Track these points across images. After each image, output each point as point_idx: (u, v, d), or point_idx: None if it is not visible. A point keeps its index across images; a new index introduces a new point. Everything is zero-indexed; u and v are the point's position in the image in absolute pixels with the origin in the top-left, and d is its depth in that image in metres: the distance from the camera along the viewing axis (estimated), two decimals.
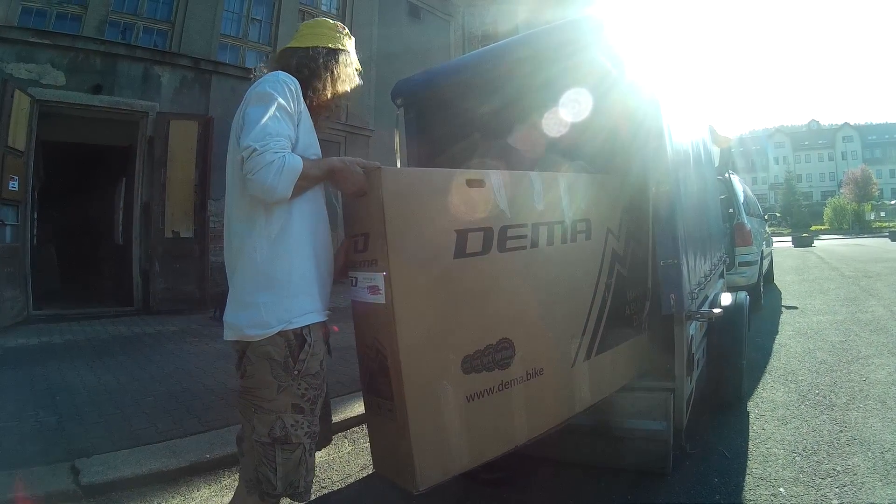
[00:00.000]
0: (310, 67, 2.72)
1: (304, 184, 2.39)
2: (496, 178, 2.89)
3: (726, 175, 10.51)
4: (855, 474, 3.72)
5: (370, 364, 2.71)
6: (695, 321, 4.10)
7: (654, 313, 4.02)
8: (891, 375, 5.88)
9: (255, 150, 2.20)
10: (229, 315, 2.43)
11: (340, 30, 2.87)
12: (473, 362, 2.71)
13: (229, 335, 2.45)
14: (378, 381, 2.64)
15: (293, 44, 2.79)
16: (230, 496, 4.03)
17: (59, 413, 5.46)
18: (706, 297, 5.09)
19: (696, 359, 4.26)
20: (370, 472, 4.41)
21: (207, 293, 12.39)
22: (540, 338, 3.08)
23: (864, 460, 3.92)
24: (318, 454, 4.69)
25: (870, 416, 4.76)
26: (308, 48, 2.74)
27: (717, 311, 4.27)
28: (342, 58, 2.82)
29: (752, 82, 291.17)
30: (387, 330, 2.51)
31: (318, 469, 4.47)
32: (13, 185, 10.34)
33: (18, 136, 10.47)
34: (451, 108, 4.86)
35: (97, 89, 11.89)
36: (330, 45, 2.78)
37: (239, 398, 2.48)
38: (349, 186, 2.58)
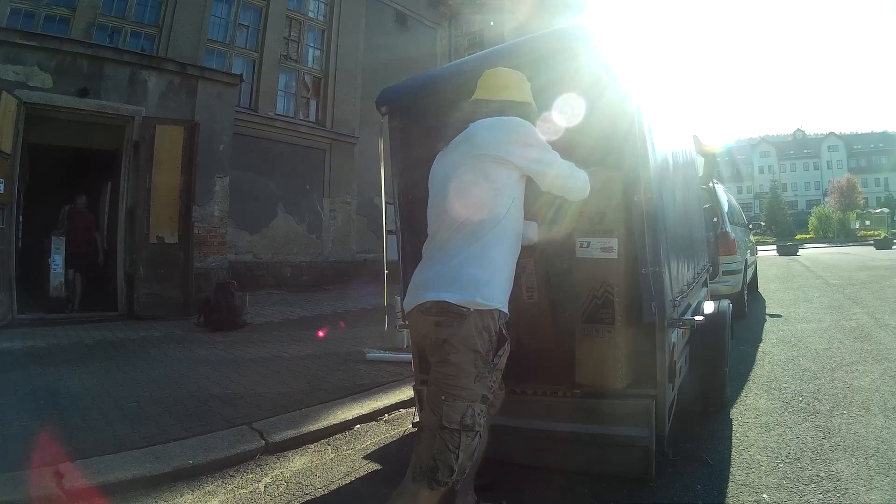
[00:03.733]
0: None
1: None
2: None
3: (711, 184, 10.56)
4: (838, 480, 3.73)
5: (596, 301, 3.87)
6: (677, 329, 4.13)
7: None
8: (874, 382, 5.91)
9: (565, 176, 3.05)
10: (450, 292, 2.69)
11: (524, 81, 3.26)
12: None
13: (452, 297, 2.68)
14: (602, 311, 3.85)
15: (483, 95, 3.19)
16: (213, 502, 4.04)
17: (42, 417, 5.43)
18: (689, 306, 5.11)
19: (678, 366, 4.27)
20: (353, 479, 4.40)
21: (192, 299, 12.35)
22: None
23: (848, 466, 3.94)
24: (300, 461, 4.70)
25: (853, 423, 4.78)
26: (500, 101, 3.12)
27: (698, 318, 4.29)
28: (526, 110, 3.16)
29: (737, 92, 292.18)
30: (616, 275, 3.84)
31: (300, 475, 4.48)
32: None
33: (5, 138, 10.40)
34: (438, 116, 4.87)
35: (84, 92, 11.83)
36: (517, 99, 3.17)
37: (428, 387, 2.79)
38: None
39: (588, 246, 3.88)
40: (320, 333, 9.98)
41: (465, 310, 2.65)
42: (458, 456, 2.63)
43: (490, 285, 2.74)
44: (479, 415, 2.70)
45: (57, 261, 12.85)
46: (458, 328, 2.64)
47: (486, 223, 2.79)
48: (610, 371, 3.83)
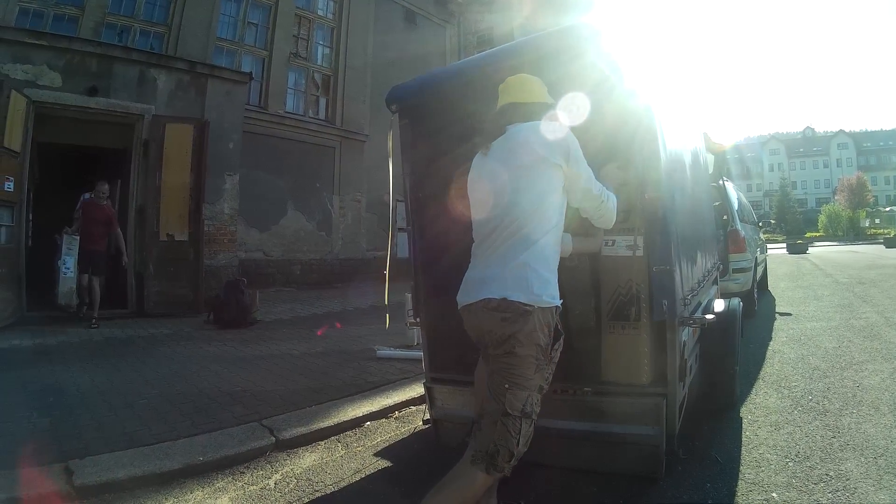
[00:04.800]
0: None
1: None
2: None
3: (720, 182, 10.53)
4: (847, 479, 3.72)
5: (622, 298, 3.89)
6: (687, 327, 4.12)
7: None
8: (884, 381, 5.89)
9: (603, 199, 3.24)
10: (517, 291, 2.86)
11: (544, 85, 3.43)
12: None
13: (517, 296, 2.85)
14: (628, 308, 3.86)
15: (516, 98, 3.33)
16: (223, 498, 4.05)
17: (52, 414, 5.45)
18: (699, 304, 5.10)
19: (688, 364, 4.27)
20: (363, 476, 4.41)
21: (202, 296, 12.37)
22: None
23: (857, 465, 3.93)
24: (310, 458, 4.70)
25: (863, 422, 4.76)
26: (533, 103, 3.29)
27: (709, 316, 4.28)
28: (551, 111, 3.28)
29: (747, 89, 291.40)
30: (640, 273, 3.83)
31: (310, 472, 4.48)
32: (9, 186, 10.30)
33: (14, 136, 10.43)
34: (447, 114, 4.86)
35: (93, 91, 11.84)
36: (546, 101, 3.34)
37: (490, 377, 2.94)
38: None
39: (613, 244, 3.91)
40: (319, 333, 10.01)
41: (530, 307, 2.82)
42: (518, 441, 2.82)
43: (550, 284, 2.95)
44: (536, 404, 2.91)
45: (68, 263, 11.12)
46: (523, 324, 2.81)
47: (544, 226, 2.98)
48: (635, 367, 3.85)
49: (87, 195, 11.61)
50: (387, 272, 5.30)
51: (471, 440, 2.97)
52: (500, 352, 2.87)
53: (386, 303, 5.71)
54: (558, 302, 2.96)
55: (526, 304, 2.82)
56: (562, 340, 3.10)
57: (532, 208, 2.98)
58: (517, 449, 2.83)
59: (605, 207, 3.27)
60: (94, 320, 10.68)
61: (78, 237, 11.01)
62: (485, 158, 3.31)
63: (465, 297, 3.09)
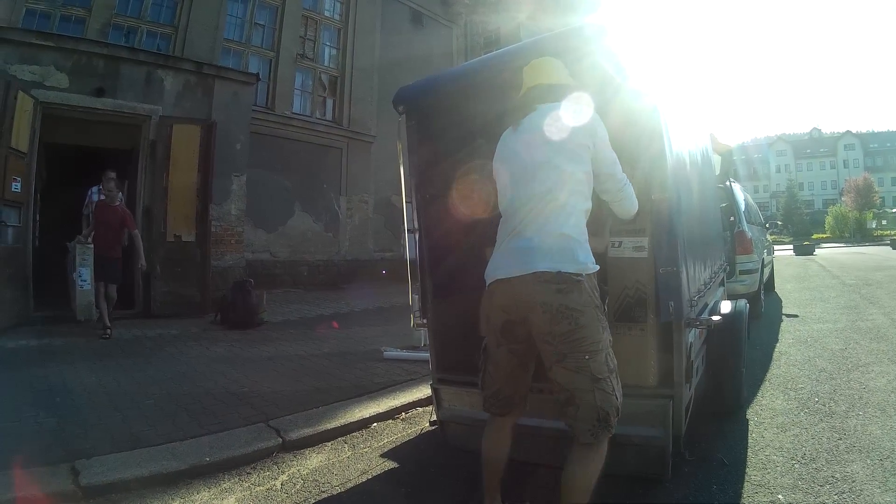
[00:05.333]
0: None
1: None
2: None
3: (727, 183, 10.52)
4: (853, 481, 3.73)
5: (629, 300, 3.88)
6: (694, 328, 4.12)
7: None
8: (890, 383, 5.89)
9: (625, 182, 3.37)
10: (568, 263, 2.98)
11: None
12: None
13: (568, 267, 2.96)
14: (635, 310, 3.85)
15: (544, 80, 3.47)
16: (230, 499, 4.07)
17: (58, 414, 5.47)
18: (706, 305, 5.10)
19: (694, 366, 4.27)
20: (369, 477, 4.42)
21: (208, 297, 12.38)
22: None
23: (863, 467, 3.93)
24: (317, 458, 4.72)
25: (869, 424, 4.77)
26: (560, 85, 3.43)
27: (715, 318, 4.28)
28: (574, 91, 3.41)
29: (753, 90, 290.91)
30: (647, 274, 3.81)
31: (317, 473, 4.50)
32: (16, 186, 10.31)
33: (21, 137, 10.45)
34: (454, 115, 4.87)
35: (100, 92, 11.86)
36: (571, 83, 3.48)
37: (561, 362, 2.95)
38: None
39: (620, 245, 3.91)
40: (335, 324, 10.02)
41: (581, 276, 2.96)
42: (616, 396, 2.96)
43: (589, 252, 3.09)
44: (613, 357, 3.05)
45: (84, 275, 10.60)
46: (579, 293, 2.93)
47: (580, 202, 3.13)
48: (641, 369, 3.84)
49: (94, 190, 11.37)
50: (408, 272, 5.33)
51: (570, 421, 3.01)
52: (562, 329, 2.91)
53: (410, 303, 5.73)
54: (597, 266, 3.12)
55: (576, 275, 2.94)
56: (606, 295, 3.40)
57: (566, 182, 3.10)
58: (619, 402, 2.97)
59: (627, 191, 3.39)
60: (107, 330, 9.71)
61: (91, 245, 10.29)
62: (514, 133, 3.40)
63: (506, 269, 3.11)
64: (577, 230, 3.06)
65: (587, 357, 2.90)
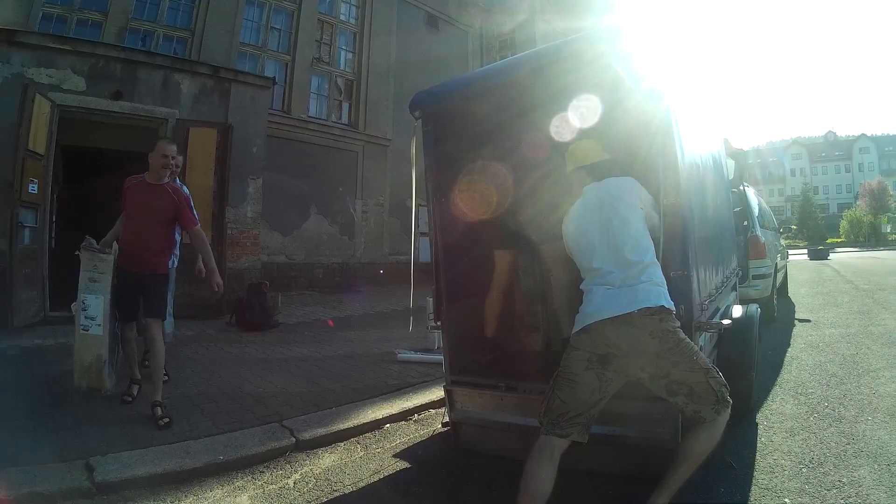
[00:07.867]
0: None
1: None
2: None
3: (741, 187, 10.50)
4: (860, 486, 3.75)
5: None
6: (704, 332, 4.15)
7: None
8: None
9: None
10: (662, 300, 3.43)
11: None
12: None
13: (668, 304, 3.45)
14: None
15: (595, 159, 3.89)
16: (243, 497, 4.12)
17: (74, 412, 5.52)
18: (717, 309, 5.12)
19: None
20: (381, 477, 4.47)
21: (224, 299, 12.40)
22: None
23: (871, 472, 3.95)
24: (329, 458, 4.76)
25: (878, 429, 4.77)
26: (608, 160, 3.92)
27: (725, 322, 4.31)
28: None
29: (768, 93, 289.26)
30: None
31: (329, 473, 4.54)
32: (33, 188, 10.42)
33: (39, 140, 10.56)
34: (470, 120, 4.91)
35: (117, 95, 11.92)
36: (609, 157, 3.96)
37: (677, 366, 3.37)
38: None
39: None
40: (330, 322, 10.05)
41: (671, 309, 3.43)
42: (722, 378, 3.48)
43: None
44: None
45: (91, 309, 5.88)
46: (672, 321, 3.42)
47: (651, 252, 3.59)
48: None
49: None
50: (412, 275, 5.37)
51: (692, 411, 3.41)
52: (667, 348, 3.35)
53: (411, 305, 5.77)
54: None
55: (669, 307, 3.41)
56: None
57: (646, 242, 3.60)
58: (725, 381, 3.47)
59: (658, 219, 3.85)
60: (132, 387, 5.97)
61: (111, 256, 6.05)
62: (584, 203, 3.83)
63: (613, 309, 3.44)
64: (658, 276, 3.55)
65: (695, 359, 3.38)
